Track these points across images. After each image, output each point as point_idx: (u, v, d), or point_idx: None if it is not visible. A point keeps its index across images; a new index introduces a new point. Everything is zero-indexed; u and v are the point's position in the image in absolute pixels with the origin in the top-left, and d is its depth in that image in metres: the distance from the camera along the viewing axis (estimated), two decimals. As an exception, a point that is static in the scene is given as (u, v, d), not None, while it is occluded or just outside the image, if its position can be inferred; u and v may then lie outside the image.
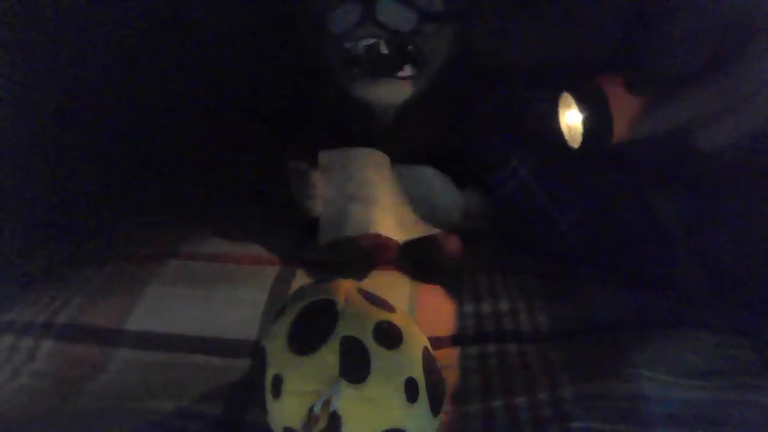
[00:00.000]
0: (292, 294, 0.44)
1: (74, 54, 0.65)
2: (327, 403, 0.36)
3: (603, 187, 0.61)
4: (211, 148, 0.78)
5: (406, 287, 0.57)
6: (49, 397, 0.45)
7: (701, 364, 0.46)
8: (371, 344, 0.38)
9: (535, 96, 0.63)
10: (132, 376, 0.47)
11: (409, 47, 0.61)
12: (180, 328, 0.51)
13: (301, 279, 0.57)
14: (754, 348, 0.48)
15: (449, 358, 0.50)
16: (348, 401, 0.36)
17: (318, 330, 0.38)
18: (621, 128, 0.49)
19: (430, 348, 0.41)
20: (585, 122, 0.52)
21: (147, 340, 0.50)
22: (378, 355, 0.37)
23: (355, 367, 0.37)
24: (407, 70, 0.62)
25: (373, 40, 0.60)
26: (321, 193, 0.62)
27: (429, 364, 0.39)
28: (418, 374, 0.38)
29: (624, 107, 0.48)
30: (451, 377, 0.46)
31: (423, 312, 0.55)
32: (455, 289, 0.58)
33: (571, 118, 0.55)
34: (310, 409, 0.36)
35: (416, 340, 0.40)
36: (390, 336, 0.39)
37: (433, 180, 0.64)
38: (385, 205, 0.60)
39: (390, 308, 0.42)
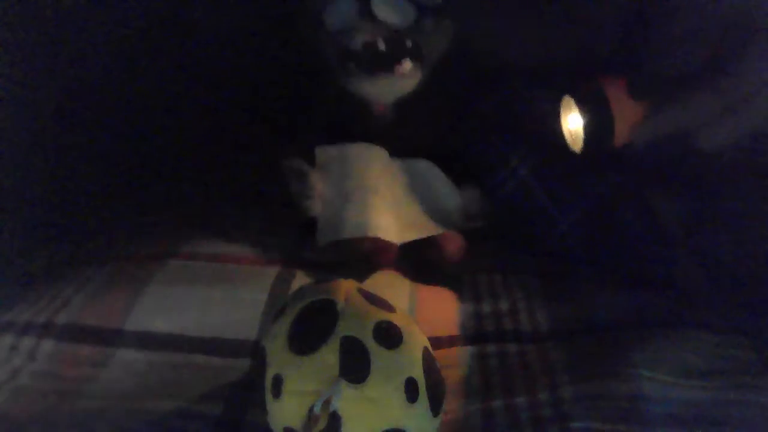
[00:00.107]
0: (292, 294, 0.44)
1: (74, 54, 0.65)
2: (327, 403, 0.36)
3: (603, 187, 0.61)
4: (211, 148, 0.78)
5: (406, 287, 0.57)
6: (49, 397, 0.45)
7: (701, 364, 0.46)
8: (371, 344, 0.38)
9: (535, 96, 0.63)
10: (132, 376, 0.47)
11: (407, 42, 0.60)
12: (180, 328, 0.51)
13: (301, 279, 0.57)
14: (754, 348, 0.48)
15: (449, 358, 0.50)
16: (348, 401, 0.36)
17: (318, 330, 0.38)
18: (622, 132, 0.49)
19: (430, 348, 0.41)
20: (586, 126, 0.52)
21: (147, 340, 0.50)
22: (378, 355, 0.37)
23: (355, 367, 0.37)
24: (405, 66, 0.60)
25: (370, 37, 0.59)
26: (319, 192, 0.61)
27: (429, 364, 0.39)
28: (418, 374, 0.38)
29: (626, 111, 0.48)
30: (451, 377, 0.46)
31: (423, 312, 0.55)
32: (455, 289, 0.58)
33: (573, 122, 0.56)
34: (310, 409, 0.36)
35: (416, 340, 0.40)
36: (390, 336, 0.39)
37: (430, 174, 0.64)
38: (383, 205, 0.60)
39: (390, 308, 0.42)
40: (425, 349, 0.40)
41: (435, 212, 0.63)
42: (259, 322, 0.52)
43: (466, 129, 0.66)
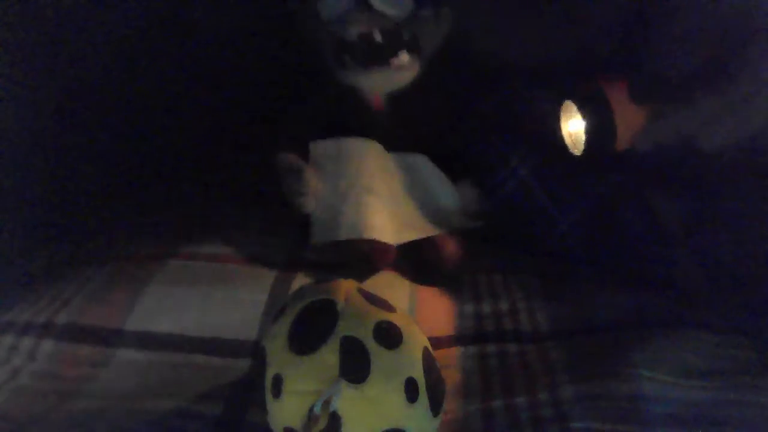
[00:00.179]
0: (292, 294, 0.44)
1: (74, 54, 0.65)
2: (327, 403, 0.36)
3: (603, 187, 0.61)
4: (211, 148, 0.78)
5: (405, 288, 0.57)
6: (49, 397, 0.45)
7: (701, 364, 0.46)
8: (371, 344, 0.38)
9: (535, 96, 0.63)
10: (132, 376, 0.47)
11: (405, 34, 0.58)
12: (180, 328, 0.51)
13: (301, 279, 0.57)
14: (754, 348, 0.48)
15: (449, 358, 0.50)
16: (348, 401, 0.36)
17: (318, 330, 0.38)
18: (624, 136, 0.49)
19: (430, 348, 0.41)
20: (588, 129, 0.52)
21: (147, 340, 0.50)
22: (378, 355, 0.37)
23: (355, 367, 0.37)
24: (402, 59, 0.59)
25: (366, 28, 0.57)
26: (313, 189, 0.60)
27: (429, 364, 0.39)
28: (418, 374, 0.38)
29: (627, 115, 0.48)
30: (451, 377, 0.46)
31: (423, 312, 0.55)
32: (455, 290, 0.58)
33: (573, 126, 0.56)
34: (310, 409, 0.36)
35: (416, 340, 0.40)
36: (390, 336, 0.39)
37: (425, 168, 0.63)
38: (379, 203, 0.59)
39: (390, 308, 0.42)
40: (425, 349, 0.40)
41: (431, 208, 0.62)
42: (259, 322, 0.52)
43: (466, 129, 0.66)
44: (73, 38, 0.64)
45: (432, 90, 0.62)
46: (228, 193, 0.71)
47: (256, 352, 0.47)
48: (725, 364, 0.47)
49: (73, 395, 0.45)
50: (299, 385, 0.37)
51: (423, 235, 0.59)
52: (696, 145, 0.46)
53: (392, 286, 0.57)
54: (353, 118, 0.63)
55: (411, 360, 0.39)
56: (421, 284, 0.58)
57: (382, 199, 0.60)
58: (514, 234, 0.64)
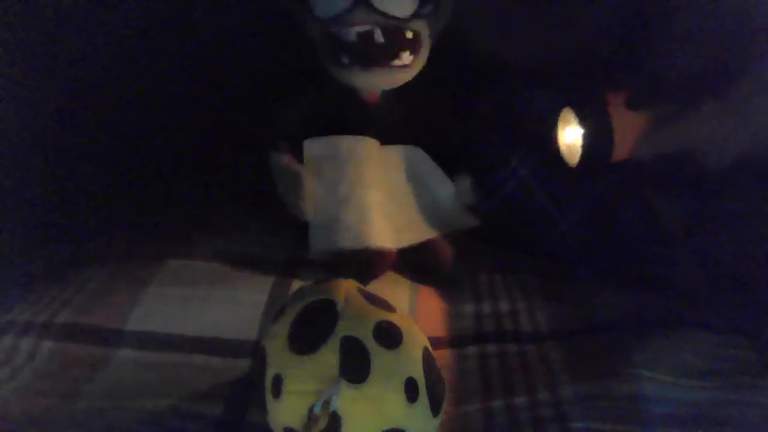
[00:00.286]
0: (293, 294, 0.44)
1: (74, 54, 0.65)
2: (327, 403, 0.36)
3: (603, 187, 0.61)
4: (210, 148, 0.78)
5: (406, 288, 0.57)
6: (49, 397, 0.45)
7: (701, 364, 0.46)
8: (371, 344, 0.38)
9: (535, 96, 0.63)
10: (132, 376, 0.47)
11: (407, 33, 0.55)
12: (180, 328, 0.51)
13: (301, 279, 0.57)
14: (754, 348, 0.48)
15: (449, 358, 0.50)
16: (348, 401, 0.36)
17: (318, 330, 0.38)
18: (623, 145, 0.49)
19: (430, 348, 0.41)
20: (586, 141, 0.51)
21: (147, 340, 0.50)
22: (378, 355, 0.37)
23: (355, 367, 0.37)
24: (404, 58, 0.55)
25: (367, 27, 0.54)
26: (311, 195, 0.57)
27: (429, 364, 0.39)
28: (418, 374, 0.38)
29: (627, 127, 0.48)
30: (451, 377, 0.46)
31: (423, 312, 0.55)
32: (455, 290, 0.58)
33: (570, 136, 0.55)
34: (310, 409, 0.36)
35: (416, 340, 0.40)
36: (390, 336, 0.39)
37: (420, 159, 0.61)
38: (378, 205, 0.58)
39: (390, 308, 0.42)
40: (425, 349, 0.40)
41: (429, 203, 0.61)
42: (259, 322, 0.52)
43: (466, 128, 0.66)
44: (73, 38, 0.64)
45: (430, 84, 0.60)
46: (228, 193, 0.71)
47: (256, 352, 0.47)
48: (725, 364, 0.47)
49: (73, 395, 0.45)
50: (299, 385, 0.37)
51: (423, 238, 0.59)
52: (698, 150, 0.46)
53: (392, 287, 0.57)
54: (347, 113, 0.60)
55: (411, 360, 0.39)
56: (422, 284, 0.58)
57: (382, 198, 0.58)
58: (514, 234, 0.64)
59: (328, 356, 0.37)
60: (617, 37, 0.57)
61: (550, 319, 0.53)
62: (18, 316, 0.51)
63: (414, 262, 0.59)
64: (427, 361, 0.40)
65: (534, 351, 0.50)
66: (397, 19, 0.54)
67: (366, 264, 0.56)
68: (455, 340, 0.52)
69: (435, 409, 0.39)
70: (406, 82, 0.58)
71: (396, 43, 0.55)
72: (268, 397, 0.38)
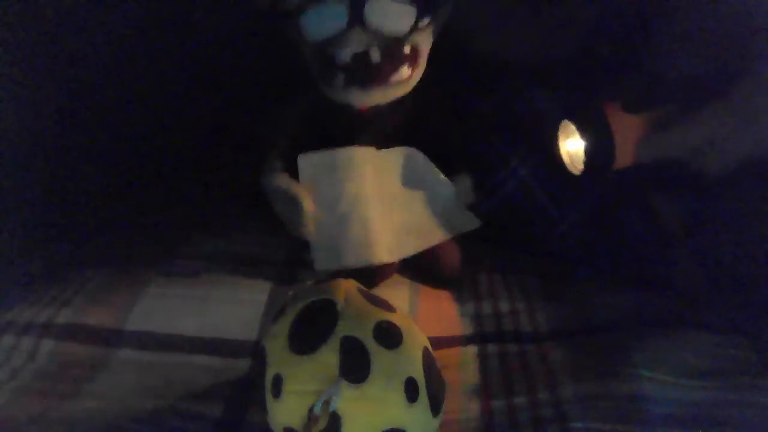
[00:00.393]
0: (293, 294, 0.44)
1: (74, 54, 0.65)
2: (327, 403, 0.36)
3: (603, 188, 0.61)
4: (211, 148, 0.78)
5: (406, 288, 0.57)
6: (49, 397, 0.45)
7: (701, 364, 0.46)
8: (371, 344, 0.38)
9: (535, 96, 0.63)
10: (132, 376, 0.47)
11: (405, 49, 0.52)
12: (180, 328, 0.51)
13: (301, 279, 0.57)
14: (754, 348, 0.48)
15: (449, 358, 0.50)
16: (348, 401, 0.36)
17: (318, 330, 0.38)
18: (625, 153, 0.49)
19: (430, 348, 0.41)
20: (588, 151, 0.51)
21: (147, 340, 0.50)
22: (378, 355, 0.37)
23: (355, 367, 0.37)
24: (402, 73, 0.53)
25: (362, 47, 0.51)
26: (311, 215, 0.55)
27: (429, 364, 0.39)
28: (418, 374, 0.38)
29: (627, 130, 0.48)
30: (451, 377, 0.46)
31: (423, 312, 0.55)
32: (455, 290, 0.58)
33: (572, 146, 0.55)
34: (310, 409, 0.36)
35: (416, 340, 0.40)
36: (390, 336, 0.39)
37: (418, 160, 0.59)
38: (379, 217, 0.57)
39: (390, 308, 0.42)
40: (425, 349, 0.40)
41: (432, 207, 0.60)
42: (259, 322, 0.52)
43: (466, 128, 0.66)
44: (73, 38, 0.64)
45: (430, 85, 0.58)
46: (228, 193, 0.71)
47: (256, 352, 0.47)
48: (725, 364, 0.47)
49: (73, 395, 0.45)
50: (299, 385, 0.37)
51: (427, 245, 0.58)
52: (699, 151, 0.46)
53: (392, 287, 0.57)
54: (341, 121, 0.57)
55: (411, 360, 0.39)
56: (422, 284, 0.58)
57: (383, 209, 0.57)
58: (514, 234, 0.64)
59: (328, 356, 0.37)
60: (617, 37, 0.57)
61: (550, 319, 0.53)
62: (18, 316, 0.52)
63: (417, 268, 0.59)
64: (427, 361, 0.40)
65: (534, 351, 0.50)
66: (395, 37, 0.51)
67: (368, 278, 0.54)
68: (455, 340, 0.52)
69: (435, 409, 0.39)
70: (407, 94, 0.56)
71: (394, 60, 0.52)
72: (268, 397, 0.38)
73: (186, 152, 0.76)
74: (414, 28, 0.51)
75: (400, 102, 0.56)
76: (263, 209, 0.66)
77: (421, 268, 0.59)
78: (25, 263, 0.60)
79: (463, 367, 0.49)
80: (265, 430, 0.40)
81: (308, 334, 0.38)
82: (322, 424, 0.36)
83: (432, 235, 0.59)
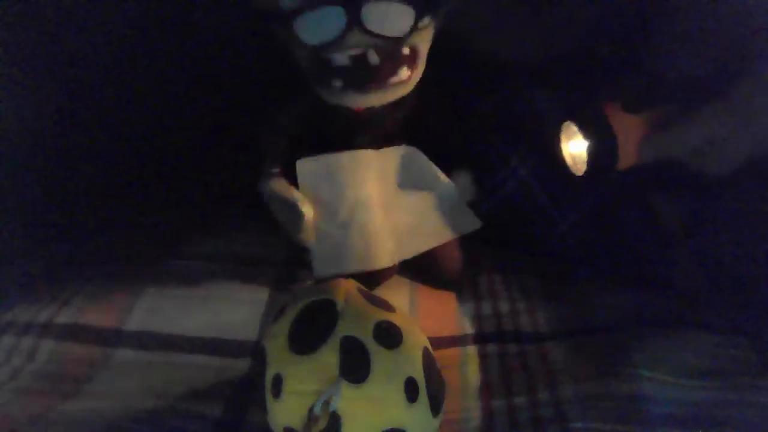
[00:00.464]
0: (293, 294, 0.44)
1: (74, 54, 0.65)
2: (327, 403, 0.36)
3: (603, 188, 0.61)
4: (211, 148, 0.78)
5: (406, 287, 0.57)
6: (49, 397, 0.45)
7: (701, 364, 0.46)
8: (371, 344, 0.38)
9: (535, 96, 0.63)
10: (132, 376, 0.47)
11: (404, 51, 0.51)
12: (180, 328, 0.51)
13: (301, 279, 0.57)
14: (754, 348, 0.48)
15: (449, 358, 0.50)
16: (348, 401, 0.36)
17: (318, 330, 0.38)
18: (627, 153, 0.49)
19: (430, 348, 0.41)
20: (590, 152, 0.52)
21: (147, 340, 0.50)
22: (378, 355, 0.37)
23: (355, 367, 0.37)
24: (402, 74, 0.52)
25: (360, 50, 0.49)
26: (311, 222, 0.54)
27: (429, 364, 0.39)
28: (418, 374, 0.38)
29: (628, 130, 0.48)
30: (451, 377, 0.46)
31: (423, 312, 0.55)
32: (455, 290, 0.58)
33: (575, 147, 0.56)
34: (310, 409, 0.36)
35: (416, 340, 0.40)
36: (390, 336, 0.39)
37: (417, 158, 0.58)
38: (381, 224, 0.56)
39: (390, 308, 0.42)
40: (425, 349, 0.40)
41: (432, 207, 0.59)
42: (259, 322, 0.52)
43: (466, 129, 0.66)
44: (73, 38, 0.64)
45: (429, 85, 0.57)
46: (228, 193, 0.71)
47: (256, 352, 0.47)
48: (725, 364, 0.47)
49: (73, 395, 0.45)
50: (299, 385, 0.37)
51: (428, 246, 0.57)
52: (699, 151, 0.46)
53: (392, 287, 0.57)
54: (338, 124, 0.56)
55: (411, 360, 0.39)
56: (422, 284, 0.58)
57: (384, 213, 0.57)
58: (514, 234, 0.64)
59: (328, 356, 0.37)
60: (617, 37, 0.57)
61: (550, 319, 0.53)
62: (18, 316, 0.52)
63: (417, 270, 0.59)
64: (427, 361, 0.40)
65: (534, 351, 0.50)
66: (393, 39, 0.50)
67: (369, 280, 0.53)
68: (455, 340, 0.52)
69: (435, 409, 0.39)
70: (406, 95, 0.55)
71: (392, 61, 0.51)
72: (268, 397, 0.38)
73: (186, 152, 0.76)
74: (413, 29, 0.50)
75: (399, 102, 0.56)
76: (263, 209, 0.66)
77: (421, 270, 0.59)
78: (25, 263, 0.60)
79: (463, 367, 0.49)
80: (265, 430, 0.40)
81: (308, 334, 0.38)
82: (322, 424, 0.36)
83: (433, 236, 0.58)
